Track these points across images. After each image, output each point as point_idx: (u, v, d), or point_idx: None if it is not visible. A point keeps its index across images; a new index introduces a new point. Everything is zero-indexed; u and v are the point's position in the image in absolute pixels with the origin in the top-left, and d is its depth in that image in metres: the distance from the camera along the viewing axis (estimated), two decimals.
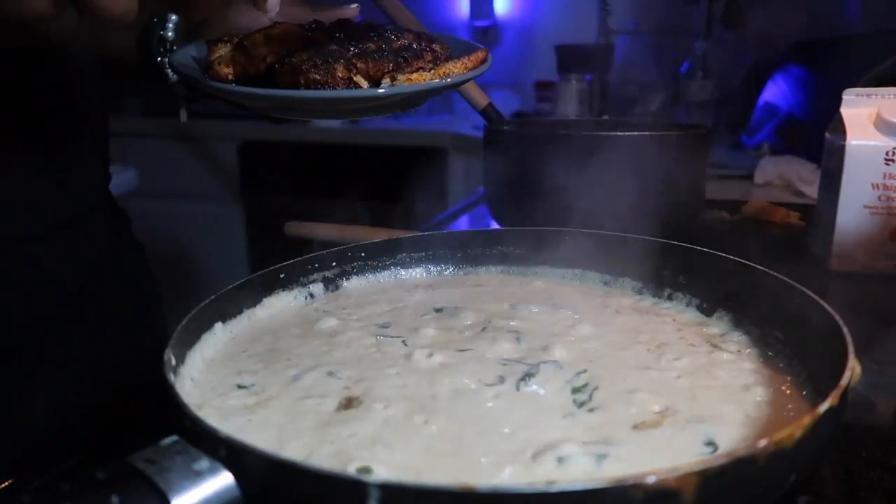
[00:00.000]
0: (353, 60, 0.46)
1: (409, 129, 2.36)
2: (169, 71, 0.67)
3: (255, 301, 0.58)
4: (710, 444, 0.39)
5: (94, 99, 0.75)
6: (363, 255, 0.66)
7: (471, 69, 0.51)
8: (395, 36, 0.50)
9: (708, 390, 0.45)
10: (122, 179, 1.84)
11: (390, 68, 0.47)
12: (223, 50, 0.51)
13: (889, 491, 0.43)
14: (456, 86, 0.52)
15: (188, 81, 0.54)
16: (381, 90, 0.47)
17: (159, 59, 0.68)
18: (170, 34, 0.67)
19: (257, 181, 2.57)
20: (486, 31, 2.73)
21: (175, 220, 2.53)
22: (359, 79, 0.47)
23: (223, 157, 2.57)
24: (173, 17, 0.66)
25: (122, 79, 0.79)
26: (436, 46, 0.51)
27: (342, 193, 2.33)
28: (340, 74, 0.46)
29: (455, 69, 0.50)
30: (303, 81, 0.46)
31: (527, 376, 0.47)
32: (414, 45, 0.50)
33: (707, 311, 0.58)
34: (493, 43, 2.73)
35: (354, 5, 0.58)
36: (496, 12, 2.72)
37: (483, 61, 0.53)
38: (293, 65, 0.46)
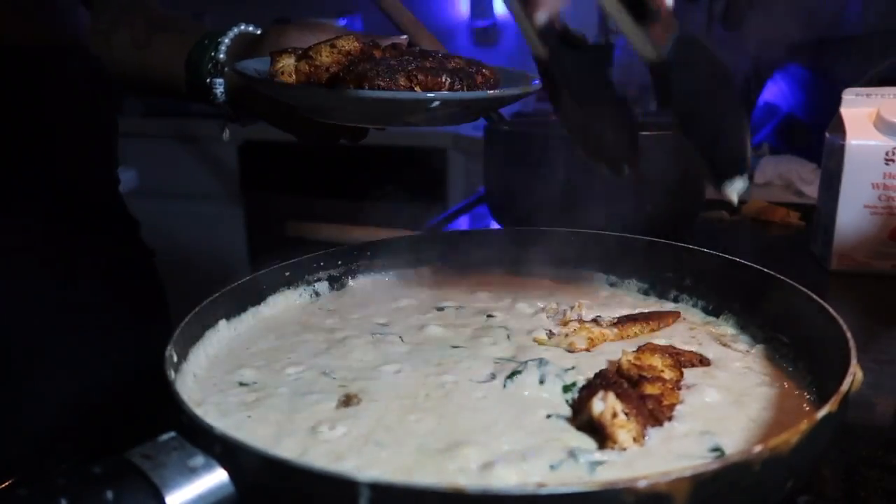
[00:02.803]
0: (414, 73, 0.50)
1: (410, 130, 2.35)
2: (218, 91, 0.67)
3: (259, 299, 0.58)
4: (717, 449, 0.39)
5: (102, 100, 0.75)
6: (369, 254, 0.67)
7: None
8: (448, 59, 0.53)
9: (712, 389, 0.45)
10: (122, 180, 1.83)
11: (447, 83, 0.51)
12: (288, 60, 0.53)
13: (889, 491, 0.43)
14: (505, 100, 0.56)
15: (251, 84, 0.56)
16: (445, 93, 0.51)
17: (209, 79, 0.67)
18: (221, 55, 0.67)
19: (257, 181, 2.56)
20: (486, 31, 2.72)
21: (175, 220, 2.52)
22: (418, 89, 0.50)
23: (223, 157, 2.57)
24: (226, 40, 0.66)
25: (165, 99, 0.79)
26: (485, 71, 0.54)
27: (342, 193, 2.33)
28: (402, 84, 0.49)
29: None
30: (367, 87, 0.49)
31: (514, 373, 0.46)
32: (466, 68, 0.53)
33: (713, 313, 0.58)
34: (493, 43, 2.73)
35: (404, 36, 0.61)
36: (496, 12, 2.71)
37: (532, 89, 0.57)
38: (359, 72, 0.49)
